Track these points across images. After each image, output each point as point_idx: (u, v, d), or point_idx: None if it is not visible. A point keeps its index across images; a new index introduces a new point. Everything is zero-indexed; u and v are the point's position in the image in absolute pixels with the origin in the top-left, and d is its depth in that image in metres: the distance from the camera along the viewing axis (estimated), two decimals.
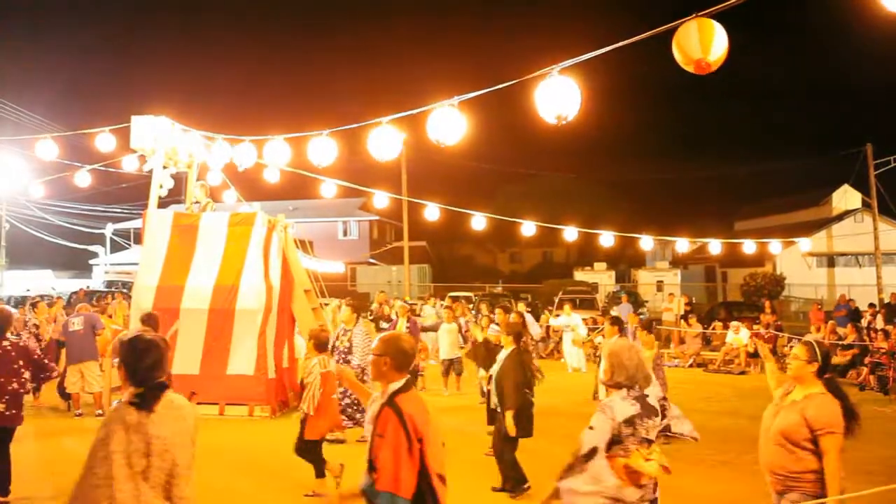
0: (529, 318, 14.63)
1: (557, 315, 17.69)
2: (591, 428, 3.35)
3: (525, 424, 6.00)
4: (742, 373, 14.26)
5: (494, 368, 6.25)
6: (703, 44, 4.31)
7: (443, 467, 2.98)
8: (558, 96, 5.09)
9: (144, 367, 2.90)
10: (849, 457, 7.12)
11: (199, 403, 9.25)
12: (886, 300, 20.68)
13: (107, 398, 9.75)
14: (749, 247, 17.85)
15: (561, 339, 16.61)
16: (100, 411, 9.28)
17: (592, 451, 3.29)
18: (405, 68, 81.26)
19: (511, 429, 5.84)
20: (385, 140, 6.73)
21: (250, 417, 9.19)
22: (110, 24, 77.48)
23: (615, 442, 3.30)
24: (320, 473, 6.00)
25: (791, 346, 15.38)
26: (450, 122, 5.90)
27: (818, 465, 3.45)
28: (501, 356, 6.25)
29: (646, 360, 3.62)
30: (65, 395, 9.90)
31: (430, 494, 2.87)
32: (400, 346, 3.12)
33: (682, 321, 17.66)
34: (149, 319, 7.36)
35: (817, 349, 3.64)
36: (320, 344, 6.26)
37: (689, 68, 4.42)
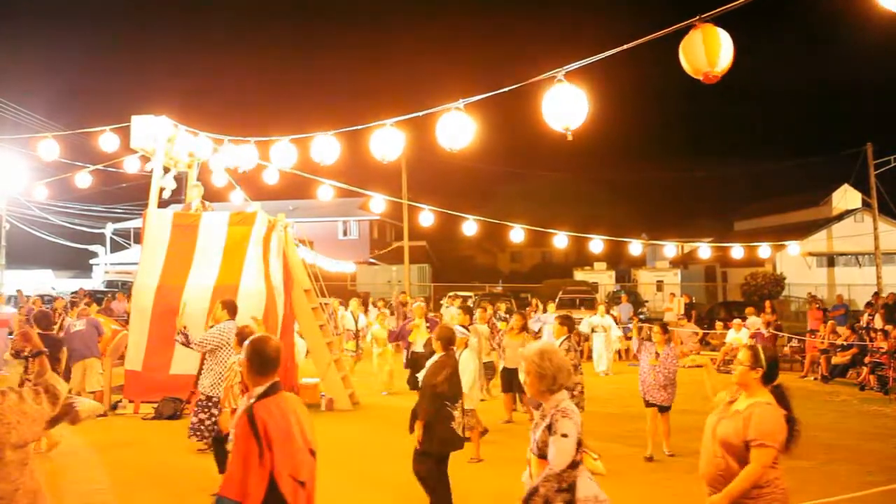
0: (546, 317, 14.63)
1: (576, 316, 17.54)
2: (564, 436, 3.03)
3: (437, 441, 5.32)
4: None
5: (421, 374, 5.76)
6: (708, 55, 4.25)
7: (301, 473, 2.81)
8: (565, 106, 4.98)
9: None
10: (849, 456, 7.15)
11: None
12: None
13: (107, 397, 9.76)
14: (737, 251, 17.86)
15: (586, 339, 16.43)
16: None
17: (575, 463, 3.03)
18: (407, 69, 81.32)
19: (419, 440, 5.35)
20: (387, 141, 6.71)
21: None
22: (111, 25, 77.49)
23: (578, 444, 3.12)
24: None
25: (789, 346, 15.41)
26: (458, 126, 5.81)
27: (761, 480, 3.26)
28: (429, 362, 5.70)
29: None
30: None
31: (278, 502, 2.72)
32: (257, 348, 2.91)
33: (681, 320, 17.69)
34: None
35: (761, 354, 3.52)
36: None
37: (698, 77, 4.40)
